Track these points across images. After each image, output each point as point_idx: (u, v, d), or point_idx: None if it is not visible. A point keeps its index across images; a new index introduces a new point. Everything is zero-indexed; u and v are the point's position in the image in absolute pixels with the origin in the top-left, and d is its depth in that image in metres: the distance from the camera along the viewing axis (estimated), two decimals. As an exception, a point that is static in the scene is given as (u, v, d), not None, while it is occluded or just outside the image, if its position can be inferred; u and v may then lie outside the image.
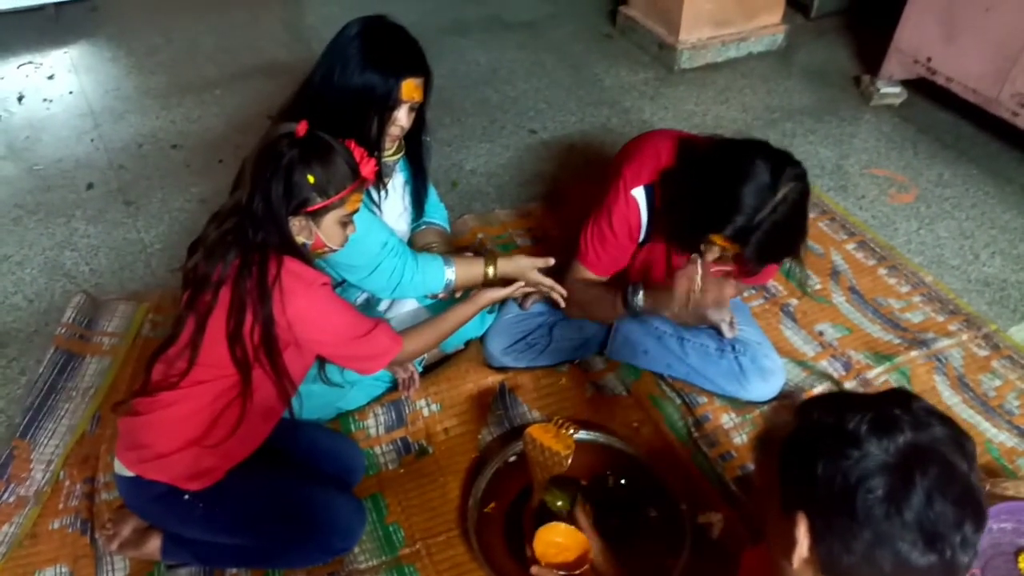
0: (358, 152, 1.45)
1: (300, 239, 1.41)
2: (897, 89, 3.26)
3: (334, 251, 1.49)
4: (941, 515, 0.79)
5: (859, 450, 0.81)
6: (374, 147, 1.63)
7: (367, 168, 1.45)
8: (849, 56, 3.67)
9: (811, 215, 2.59)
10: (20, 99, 3.27)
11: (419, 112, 1.74)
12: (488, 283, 1.82)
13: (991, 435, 1.92)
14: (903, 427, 0.82)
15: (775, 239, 1.50)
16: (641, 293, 1.76)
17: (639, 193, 1.72)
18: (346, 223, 1.46)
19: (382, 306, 1.94)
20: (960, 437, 0.84)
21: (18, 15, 3.81)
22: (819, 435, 0.86)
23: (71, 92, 3.33)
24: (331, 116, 1.52)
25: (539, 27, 3.93)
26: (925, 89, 3.21)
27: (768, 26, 3.67)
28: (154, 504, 1.48)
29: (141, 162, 2.92)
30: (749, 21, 3.62)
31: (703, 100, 3.36)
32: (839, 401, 0.89)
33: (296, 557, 1.62)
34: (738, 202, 1.46)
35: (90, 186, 2.79)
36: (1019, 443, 1.90)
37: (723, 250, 1.56)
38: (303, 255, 1.42)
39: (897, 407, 0.84)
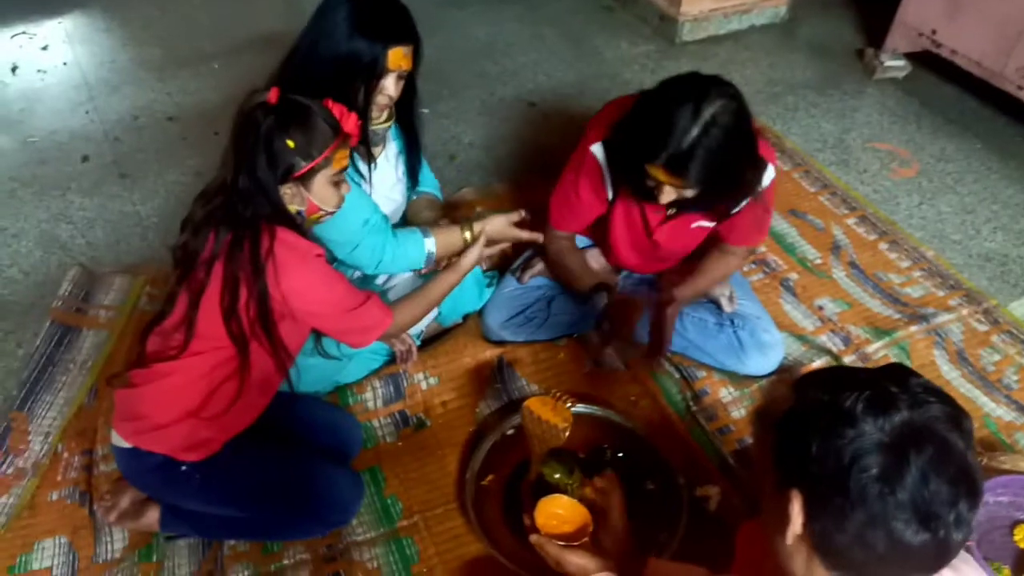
0: (337, 109, 1.41)
1: (293, 207, 1.39)
2: (901, 63, 3.22)
3: (331, 214, 1.46)
4: (935, 494, 0.78)
5: (854, 429, 0.81)
6: (361, 116, 1.60)
7: (348, 123, 1.42)
8: (853, 29, 3.62)
9: (812, 189, 2.63)
10: (14, 70, 3.24)
11: (410, 80, 1.71)
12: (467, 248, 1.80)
13: (989, 409, 1.92)
14: (899, 405, 0.81)
15: (714, 165, 1.48)
16: (603, 304, 1.83)
17: (597, 149, 1.73)
18: (338, 182, 1.43)
19: (380, 279, 1.93)
20: (957, 414, 0.83)
21: (11, -16, 3.75)
22: (814, 413, 0.85)
23: (65, 63, 3.29)
24: (317, 85, 1.49)
25: (539, -1, 3.87)
26: (929, 63, 3.17)
27: (771, -2, 3.62)
28: (151, 475, 1.48)
29: (137, 134, 2.90)
30: (752, -7, 3.57)
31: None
32: (835, 377, 0.89)
33: (294, 529, 1.63)
34: (664, 128, 1.46)
35: (85, 158, 2.77)
36: (1017, 417, 1.90)
37: (676, 189, 1.54)
38: (297, 225, 1.40)
39: (894, 384, 0.84)
